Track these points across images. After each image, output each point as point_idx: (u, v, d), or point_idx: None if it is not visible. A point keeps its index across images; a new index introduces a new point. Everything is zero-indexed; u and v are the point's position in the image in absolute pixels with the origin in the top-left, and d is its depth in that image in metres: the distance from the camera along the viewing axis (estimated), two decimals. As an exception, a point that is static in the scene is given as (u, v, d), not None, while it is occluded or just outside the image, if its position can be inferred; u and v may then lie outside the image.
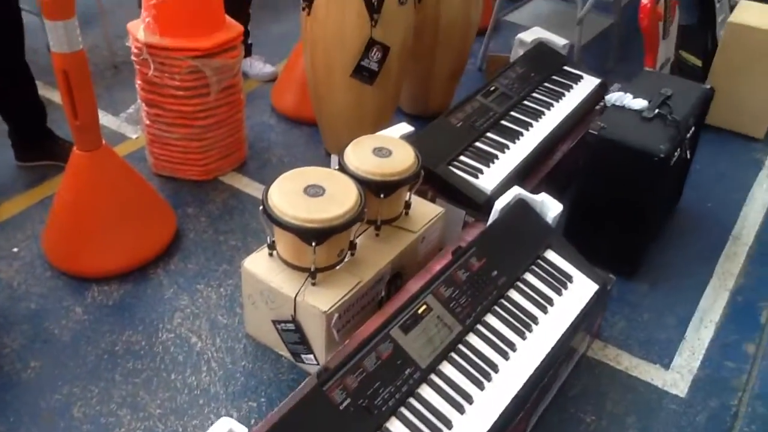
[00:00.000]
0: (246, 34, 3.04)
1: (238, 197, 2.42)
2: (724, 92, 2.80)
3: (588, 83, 2.56)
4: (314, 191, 1.66)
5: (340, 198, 1.65)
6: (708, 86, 2.23)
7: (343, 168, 1.80)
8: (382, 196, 1.76)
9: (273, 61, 3.15)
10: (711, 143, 2.80)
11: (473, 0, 2.58)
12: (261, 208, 1.65)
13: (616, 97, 2.09)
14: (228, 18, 2.35)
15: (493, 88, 2.41)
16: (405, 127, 2.11)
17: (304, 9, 2.28)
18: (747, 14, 2.76)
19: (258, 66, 3.10)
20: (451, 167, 2.05)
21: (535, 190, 1.85)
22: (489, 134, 2.22)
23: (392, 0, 2.20)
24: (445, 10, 2.54)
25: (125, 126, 2.63)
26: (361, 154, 1.81)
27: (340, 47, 2.26)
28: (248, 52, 3.09)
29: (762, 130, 2.83)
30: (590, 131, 2.00)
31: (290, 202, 1.62)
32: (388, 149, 1.83)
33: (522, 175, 2.11)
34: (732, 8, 2.96)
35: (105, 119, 2.70)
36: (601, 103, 2.30)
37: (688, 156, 2.17)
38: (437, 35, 2.60)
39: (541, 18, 3.13)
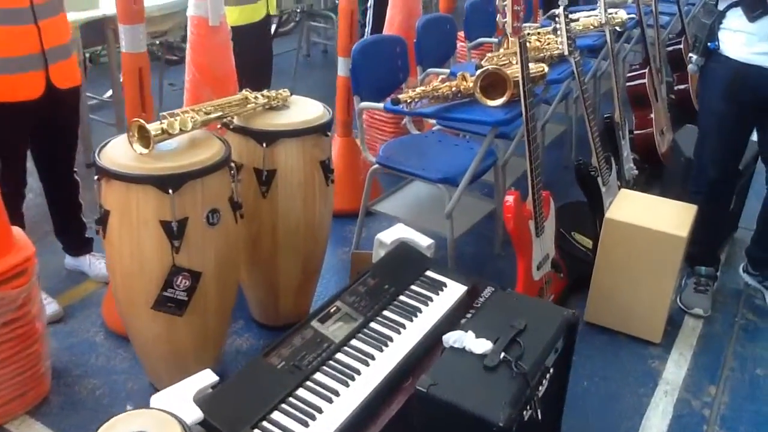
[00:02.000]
0: (83, 227, 2.71)
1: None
2: (609, 290, 2.51)
3: (452, 292, 2.23)
4: None
5: None
6: (572, 311, 1.91)
7: None
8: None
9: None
10: (603, 351, 2.47)
11: (318, 201, 2.29)
12: None
13: (454, 337, 1.75)
14: (17, 234, 2.01)
15: (333, 309, 2.06)
16: (208, 377, 1.72)
17: (98, 232, 1.95)
18: (626, 207, 2.52)
19: (98, 266, 2.73)
20: (254, 433, 1.66)
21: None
22: (316, 376, 1.83)
23: (198, 222, 1.88)
24: (284, 216, 2.24)
25: None
26: None
27: (139, 276, 1.90)
28: (87, 248, 2.74)
29: (658, 333, 2.52)
30: (418, 388, 1.63)
31: None
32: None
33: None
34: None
35: None
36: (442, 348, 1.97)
37: (539, 416, 1.78)
38: (276, 242, 2.28)
39: (413, 208, 2.86)
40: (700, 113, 2.68)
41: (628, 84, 3.88)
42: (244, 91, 2.16)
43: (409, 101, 2.25)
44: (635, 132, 3.87)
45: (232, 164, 2.04)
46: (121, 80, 2.21)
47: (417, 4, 3.53)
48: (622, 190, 2.67)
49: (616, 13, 3.44)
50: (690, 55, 2.57)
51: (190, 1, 2.43)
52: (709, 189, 2.65)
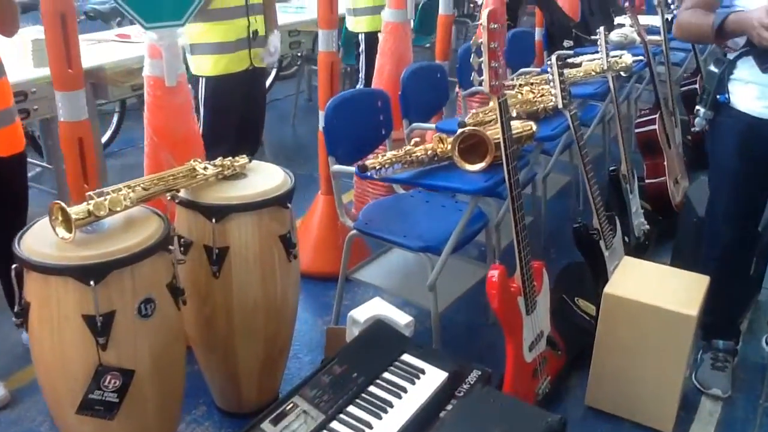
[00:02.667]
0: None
1: None
2: (612, 371, 2.23)
3: (431, 380, 1.97)
4: None
5: None
6: (558, 417, 1.64)
7: None
8: None
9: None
10: (605, 444, 2.18)
11: (278, 280, 2.06)
12: None
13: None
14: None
15: (290, 407, 1.80)
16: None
17: (19, 325, 1.73)
18: (629, 278, 2.25)
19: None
20: None
21: None
22: (260, 496, 1.59)
23: (127, 315, 1.65)
24: (239, 297, 2.01)
25: None
26: None
27: (62, 375, 1.68)
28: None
29: (670, 420, 2.22)
30: None
31: None
32: None
33: None
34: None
35: None
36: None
37: None
38: (232, 325, 2.04)
39: (397, 276, 2.62)
40: (710, 171, 2.41)
41: (637, 130, 3.62)
42: (192, 162, 1.96)
43: (377, 167, 2.03)
44: (646, 180, 3.60)
45: (176, 244, 1.82)
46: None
47: (407, 51, 3.33)
48: (625, 258, 2.40)
49: (620, 56, 3.20)
50: (697, 108, 2.31)
51: (145, 60, 2.26)
52: (723, 254, 2.37)
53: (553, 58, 2.44)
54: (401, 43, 3.30)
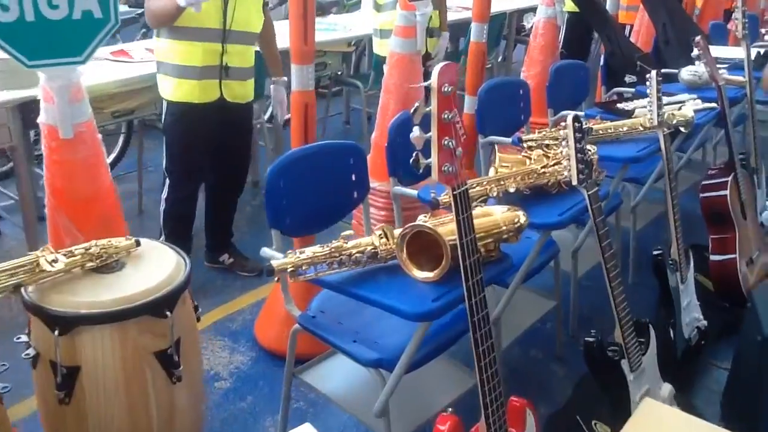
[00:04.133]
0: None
1: None
2: None
3: None
4: None
5: None
6: None
7: None
8: None
9: None
10: None
11: (154, 410, 1.56)
12: None
13: None
14: None
15: None
16: None
17: None
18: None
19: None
20: None
21: None
22: None
23: None
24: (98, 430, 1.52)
25: None
26: None
27: None
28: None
29: None
30: None
31: None
32: None
33: None
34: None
35: None
36: None
37: None
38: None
39: (351, 383, 2.07)
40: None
41: (703, 195, 2.91)
42: (37, 253, 1.48)
43: (290, 269, 1.49)
44: (711, 258, 2.89)
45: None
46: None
47: (415, 88, 2.77)
48: (646, 400, 1.75)
49: (680, 107, 2.53)
50: None
51: (41, 105, 1.82)
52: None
53: (569, 118, 1.83)
54: (409, 77, 2.75)
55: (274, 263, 1.49)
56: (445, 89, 1.33)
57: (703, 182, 2.94)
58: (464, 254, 1.39)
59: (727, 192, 2.84)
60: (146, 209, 3.69)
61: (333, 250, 1.51)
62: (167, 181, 2.72)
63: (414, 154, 1.34)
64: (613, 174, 2.48)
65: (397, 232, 1.53)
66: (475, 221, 1.47)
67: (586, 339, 1.91)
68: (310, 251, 1.51)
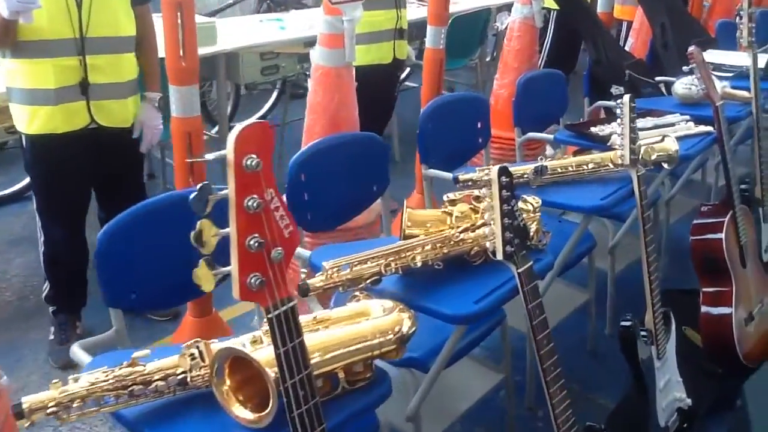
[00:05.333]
0: None
1: None
2: None
3: None
4: None
5: None
6: None
7: None
8: None
9: None
10: None
11: None
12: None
13: None
14: None
15: None
16: None
17: None
18: None
19: None
20: None
21: None
22: None
23: None
24: None
25: None
26: None
27: None
28: None
29: None
30: None
31: None
32: None
33: None
34: None
35: None
36: None
37: None
38: None
39: None
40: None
41: (694, 237, 2.42)
42: None
43: (53, 409, 1.04)
44: (702, 311, 2.41)
45: None
46: None
47: (344, 108, 2.30)
48: None
49: (661, 139, 2.04)
50: None
51: None
52: None
53: (494, 171, 1.35)
54: (337, 94, 2.28)
55: (24, 401, 1.03)
56: (249, 163, 0.87)
57: (695, 221, 2.45)
58: (291, 403, 0.94)
59: (722, 235, 2.36)
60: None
61: (116, 380, 1.05)
62: (38, 221, 2.27)
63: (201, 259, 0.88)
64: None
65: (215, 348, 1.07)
66: (338, 331, 1.02)
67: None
68: (85, 382, 1.05)
